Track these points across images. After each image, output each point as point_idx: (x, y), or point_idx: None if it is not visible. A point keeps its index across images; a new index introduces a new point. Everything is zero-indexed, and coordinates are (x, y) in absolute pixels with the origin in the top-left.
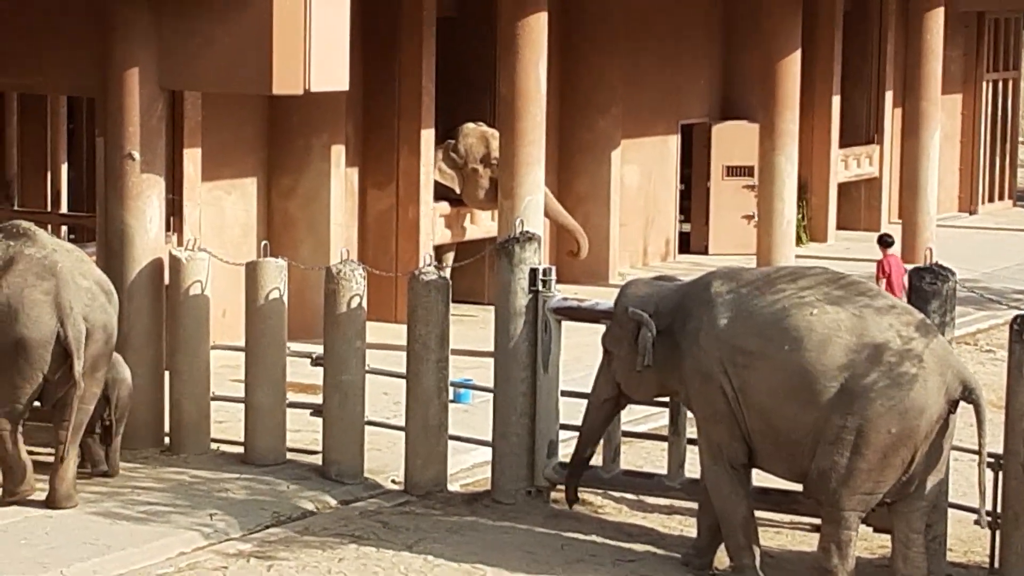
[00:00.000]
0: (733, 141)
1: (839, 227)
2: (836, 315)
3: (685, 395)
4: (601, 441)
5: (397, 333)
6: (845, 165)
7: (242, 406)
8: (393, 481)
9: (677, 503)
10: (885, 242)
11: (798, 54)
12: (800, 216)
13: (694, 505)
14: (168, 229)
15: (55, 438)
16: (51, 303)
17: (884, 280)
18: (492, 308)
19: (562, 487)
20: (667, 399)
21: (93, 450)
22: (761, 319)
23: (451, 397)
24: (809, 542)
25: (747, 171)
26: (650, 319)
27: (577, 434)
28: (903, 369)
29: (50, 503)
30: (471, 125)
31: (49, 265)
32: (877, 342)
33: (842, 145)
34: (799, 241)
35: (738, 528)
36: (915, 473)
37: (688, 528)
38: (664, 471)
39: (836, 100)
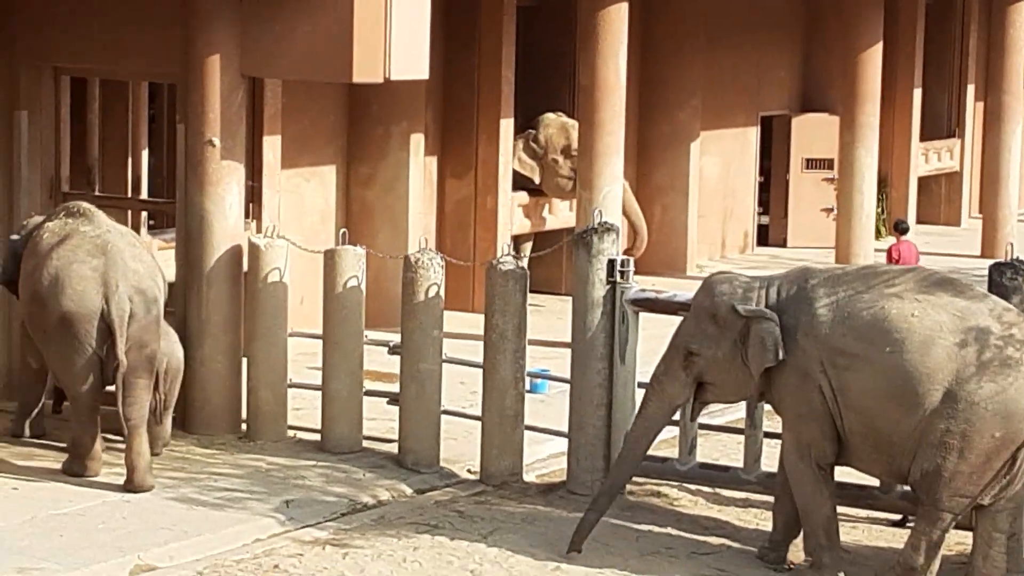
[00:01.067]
0: (813, 133)
1: (919, 221)
2: (937, 316)
3: (775, 393)
4: (678, 434)
5: (474, 322)
6: (925, 159)
7: (319, 394)
8: (469, 471)
9: (753, 496)
10: (900, 228)
11: (879, 46)
12: (879, 210)
13: (770, 499)
14: (247, 216)
15: (121, 418)
16: (98, 280)
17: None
18: (569, 298)
19: (639, 478)
20: None
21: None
22: (861, 320)
23: (527, 387)
24: (885, 538)
25: (827, 164)
26: (775, 315)
27: (629, 453)
28: (1007, 373)
29: (127, 484)
30: (551, 115)
31: (101, 244)
32: (980, 345)
33: (923, 138)
34: (878, 235)
35: (819, 527)
36: (1014, 475)
37: (763, 522)
38: (740, 464)
39: (917, 93)
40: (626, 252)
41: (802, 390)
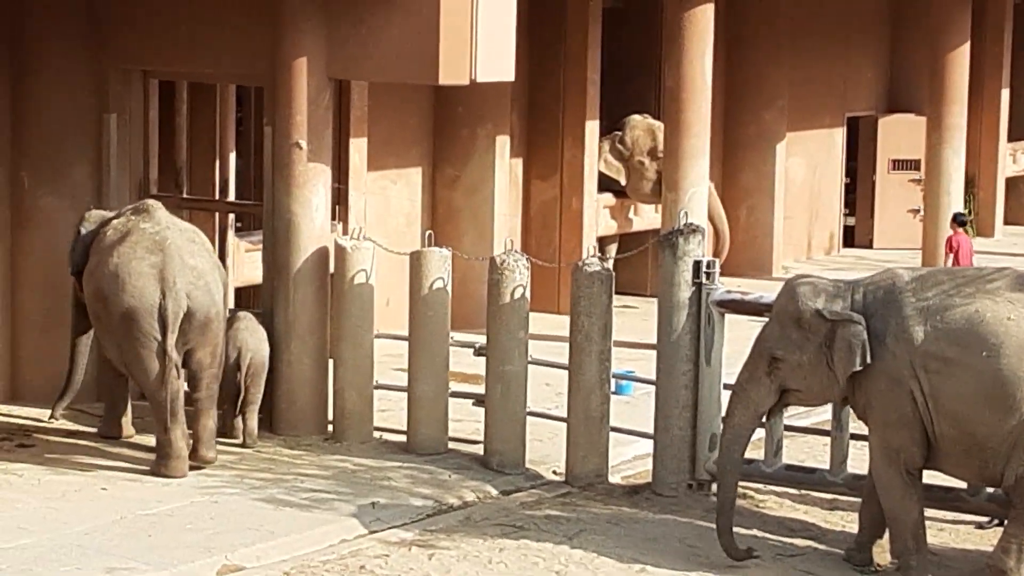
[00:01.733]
0: (900, 134)
1: (1006, 222)
2: None
3: (862, 398)
4: (764, 436)
5: (559, 324)
6: (1013, 159)
7: (405, 395)
8: (554, 472)
9: (839, 498)
10: (959, 220)
11: (967, 46)
12: (967, 211)
13: (856, 500)
14: (334, 218)
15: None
16: (156, 276)
17: (951, 256)
18: (655, 300)
19: None
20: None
21: (228, 421)
22: (955, 324)
23: (613, 389)
24: (973, 540)
25: (913, 165)
26: (861, 318)
27: (727, 467)
28: None
29: (190, 456)
30: (637, 117)
31: (159, 240)
32: None
33: (1010, 139)
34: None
35: (908, 531)
36: None
37: (850, 524)
38: (827, 466)
39: (1005, 93)
40: (715, 252)
41: (892, 395)
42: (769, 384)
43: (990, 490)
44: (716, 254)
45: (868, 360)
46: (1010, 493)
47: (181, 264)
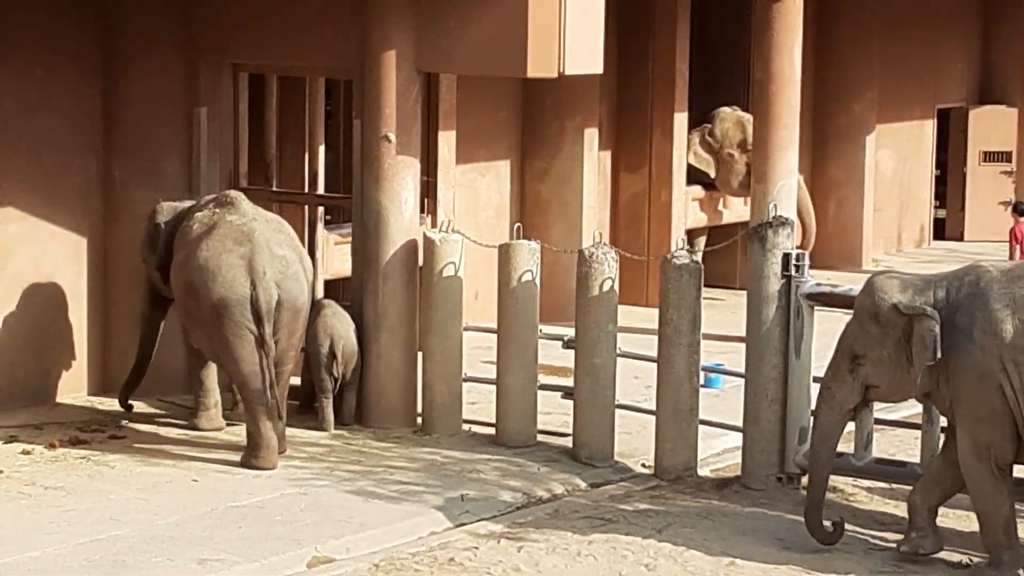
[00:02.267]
0: (991, 126)
1: None
2: None
3: (948, 394)
4: (854, 429)
5: (648, 317)
6: None
7: (494, 387)
8: (643, 465)
9: None
10: (1020, 209)
11: None
12: None
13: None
14: (422, 211)
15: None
16: (245, 267)
17: (1018, 247)
18: (744, 293)
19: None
20: None
21: (325, 411)
22: None
23: (702, 381)
24: None
25: (1005, 157)
26: (936, 313)
27: (816, 465)
28: None
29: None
30: (727, 110)
31: (247, 231)
32: None
33: None
34: None
35: (999, 527)
36: None
37: (942, 518)
38: (917, 460)
39: None
40: (802, 244)
41: (981, 390)
42: (852, 382)
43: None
44: (802, 247)
45: (939, 355)
46: None
47: (270, 254)
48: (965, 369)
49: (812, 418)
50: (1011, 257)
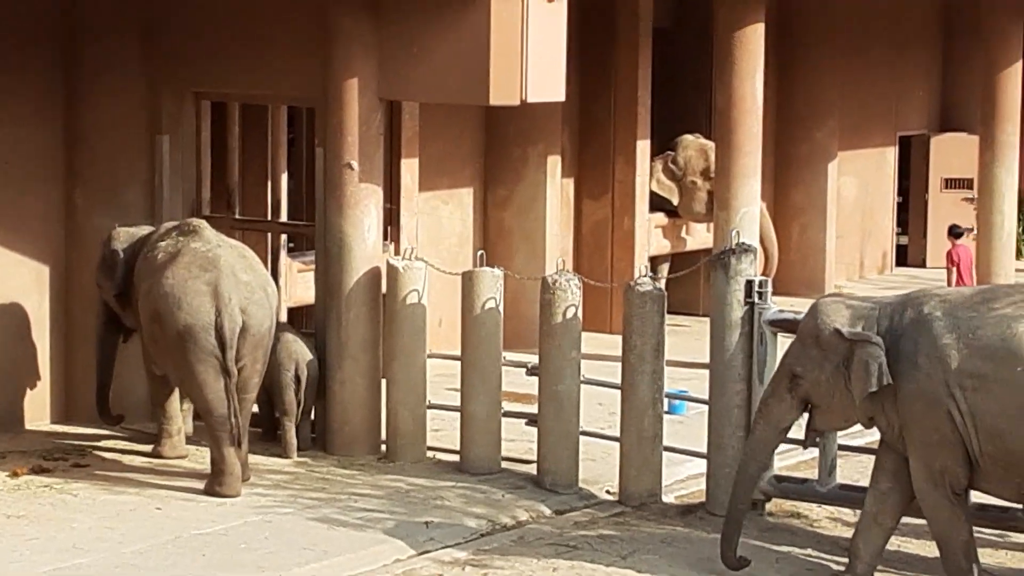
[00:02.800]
0: (952, 153)
1: None
2: None
3: (893, 419)
4: (818, 455)
5: (612, 344)
6: None
7: (458, 415)
8: (607, 491)
9: None
10: (955, 232)
11: (1019, 65)
12: (1020, 229)
13: (912, 521)
14: (385, 238)
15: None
16: (211, 293)
17: (954, 269)
18: (707, 319)
19: (778, 499)
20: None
21: (289, 436)
22: (988, 341)
23: (666, 408)
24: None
25: (966, 183)
26: (880, 339)
27: (742, 477)
28: None
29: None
30: (690, 137)
31: (212, 258)
32: None
33: None
34: (1019, 254)
35: (959, 551)
36: None
37: (905, 543)
38: None
39: None
40: (764, 271)
41: (930, 416)
42: (791, 400)
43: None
44: (765, 273)
45: (886, 381)
46: None
47: (235, 281)
48: (912, 396)
49: (750, 433)
50: (948, 281)
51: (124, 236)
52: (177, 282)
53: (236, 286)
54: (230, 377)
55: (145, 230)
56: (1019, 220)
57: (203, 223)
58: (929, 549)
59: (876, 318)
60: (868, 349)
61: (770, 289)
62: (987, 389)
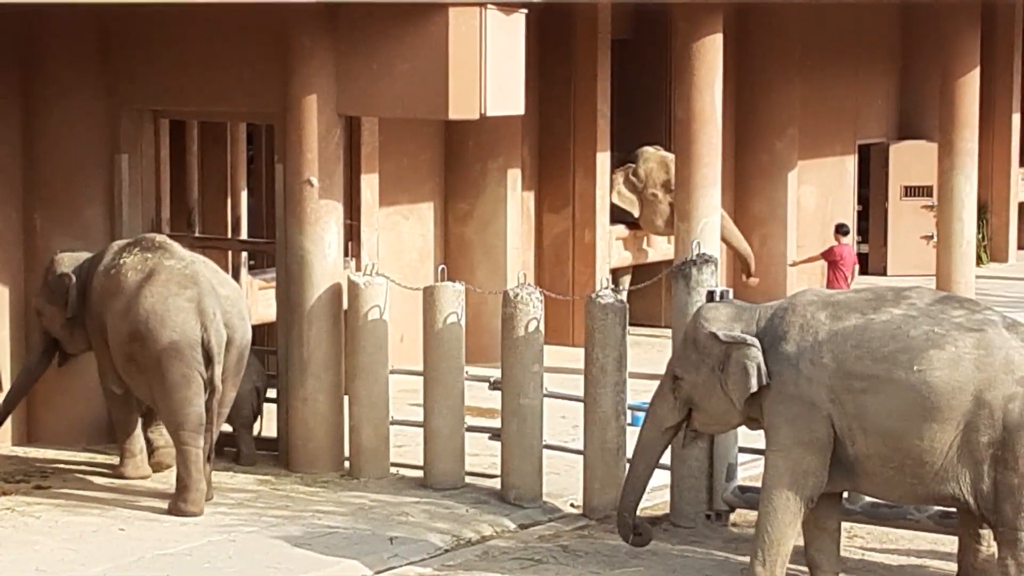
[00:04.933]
0: (911, 161)
1: (1020, 247)
2: (959, 332)
3: (769, 419)
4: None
5: (574, 356)
6: None
7: (421, 430)
8: (572, 505)
9: (856, 527)
10: (842, 231)
11: (977, 72)
12: (980, 236)
13: (878, 529)
14: (346, 254)
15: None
16: (195, 309)
17: (841, 269)
18: (669, 331)
19: (742, 509)
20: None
21: (251, 446)
22: (879, 343)
23: (629, 420)
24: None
25: (926, 191)
26: (756, 341)
27: (630, 475)
28: None
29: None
30: (650, 150)
31: (191, 274)
32: (1007, 356)
33: (1022, 164)
34: (979, 261)
35: (777, 559)
36: None
37: (868, 552)
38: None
39: (1016, 118)
40: (748, 277)
41: (806, 418)
42: (673, 401)
43: (935, 508)
44: (748, 274)
45: (765, 381)
46: (984, 511)
47: (216, 296)
48: (789, 398)
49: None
50: (829, 280)
51: (68, 260)
52: (158, 300)
53: (218, 301)
54: (215, 392)
55: (87, 254)
56: (979, 227)
57: (166, 239)
58: (892, 557)
59: (755, 319)
60: (744, 351)
61: (731, 299)
62: (878, 390)
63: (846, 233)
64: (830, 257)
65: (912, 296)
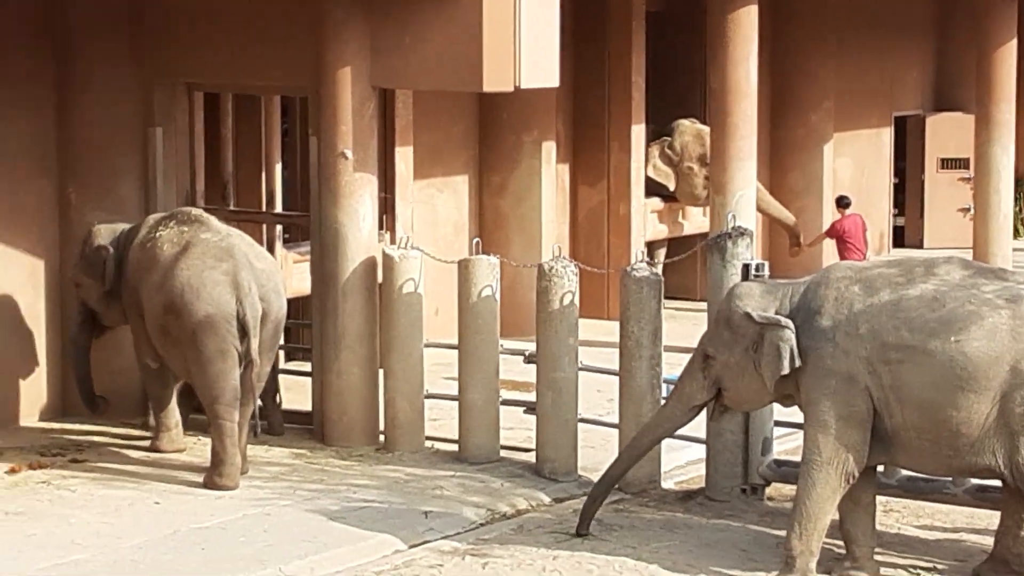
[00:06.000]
0: (948, 133)
1: None
2: (996, 302)
3: (808, 395)
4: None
5: (609, 330)
6: None
7: (456, 404)
8: None
9: (892, 501)
10: (844, 203)
11: (1014, 43)
12: (1017, 209)
13: (912, 502)
14: (381, 227)
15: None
16: (230, 283)
17: (846, 242)
18: (704, 304)
19: (778, 483)
20: None
21: (277, 415)
22: (914, 313)
23: (664, 394)
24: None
25: (962, 163)
26: (790, 322)
27: (632, 446)
28: None
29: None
30: (686, 123)
31: (226, 247)
32: None
33: None
34: (1016, 234)
35: (814, 533)
36: None
37: (904, 526)
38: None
39: None
40: (795, 250)
41: (845, 392)
42: (702, 380)
43: (974, 480)
44: (797, 243)
45: (797, 364)
46: (1019, 482)
47: (251, 269)
48: (827, 372)
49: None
50: (840, 254)
51: (106, 232)
52: (194, 273)
53: (254, 275)
54: (251, 366)
55: (124, 226)
56: (1016, 199)
57: (202, 212)
58: (928, 532)
59: (789, 297)
60: (778, 332)
61: (767, 272)
62: (915, 361)
63: (847, 205)
64: (833, 233)
65: (946, 267)
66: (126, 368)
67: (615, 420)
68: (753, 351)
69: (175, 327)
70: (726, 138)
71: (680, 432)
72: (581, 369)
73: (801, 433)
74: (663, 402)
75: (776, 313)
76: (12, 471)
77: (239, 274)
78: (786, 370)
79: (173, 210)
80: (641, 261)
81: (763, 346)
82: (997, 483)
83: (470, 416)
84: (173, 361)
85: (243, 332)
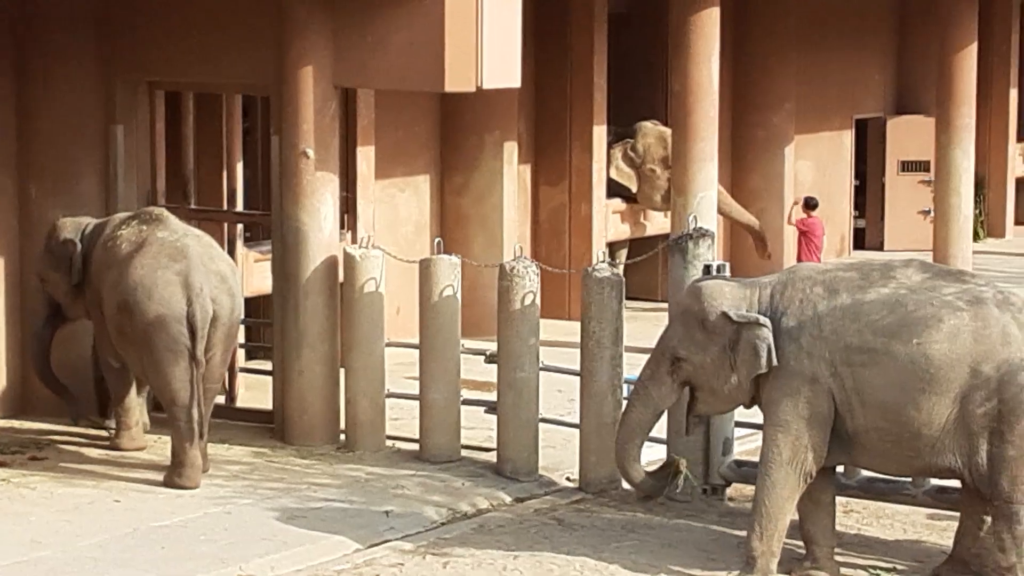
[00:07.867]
0: (908, 136)
1: (1017, 223)
2: (957, 304)
3: (769, 395)
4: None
5: (570, 330)
6: (1023, 159)
7: (417, 403)
8: (568, 478)
9: (853, 502)
10: (811, 204)
11: (974, 47)
12: (977, 211)
13: (874, 504)
14: (342, 227)
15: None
16: (182, 283)
17: (811, 242)
18: (666, 304)
19: (738, 484)
20: None
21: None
22: (876, 316)
23: (625, 394)
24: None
25: (923, 166)
26: (768, 321)
27: (622, 462)
28: None
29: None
30: (649, 124)
31: (180, 247)
32: (1004, 329)
33: (1020, 139)
34: (976, 237)
35: (775, 534)
36: None
37: (865, 526)
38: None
39: (1013, 93)
40: (762, 252)
41: (808, 393)
42: (671, 383)
43: (934, 481)
44: (764, 245)
45: (775, 362)
46: (978, 483)
47: (205, 270)
48: (790, 374)
49: (623, 414)
50: (799, 253)
51: (72, 226)
52: (147, 272)
53: (207, 276)
54: (199, 367)
55: (89, 220)
56: (976, 203)
57: (164, 211)
58: (889, 532)
59: (757, 298)
60: (756, 331)
61: (728, 273)
62: (878, 363)
63: (815, 207)
64: (802, 227)
65: (906, 270)
66: (84, 365)
67: (576, 420)
68: (730, 350)
69: (128, 326)
70: (687, 139)
71: None
72: (542, 369)
73: (760, 434)
74: (624, 405)
75: (747, 311)
76: None
77: (191, 275)
78: (764, 368)
79: (139, 209)
80: (602, 262)
81: (740, 345)
82: (957, 484)
83: (431, 415)
84: (130, 360)
85: (192, 333)
